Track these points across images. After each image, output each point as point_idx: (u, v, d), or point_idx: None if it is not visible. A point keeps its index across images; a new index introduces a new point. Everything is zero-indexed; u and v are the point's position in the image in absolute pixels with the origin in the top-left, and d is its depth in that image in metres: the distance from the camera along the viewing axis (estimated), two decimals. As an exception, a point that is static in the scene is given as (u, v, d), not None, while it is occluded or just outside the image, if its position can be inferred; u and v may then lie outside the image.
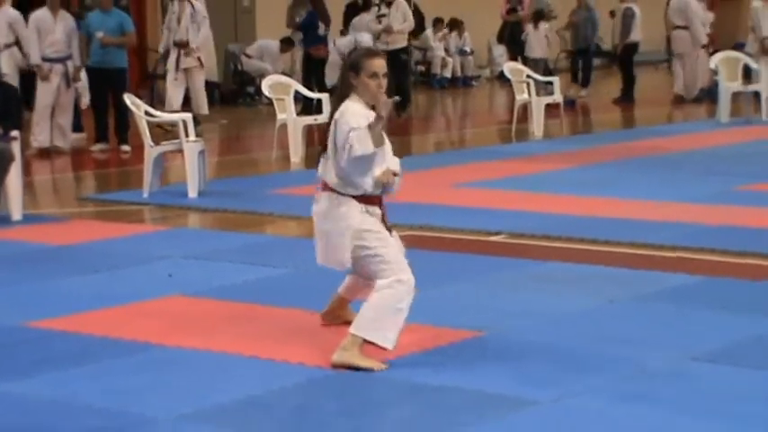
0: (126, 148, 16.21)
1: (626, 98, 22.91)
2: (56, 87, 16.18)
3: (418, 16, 23.40)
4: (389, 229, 6.84)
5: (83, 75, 16.74)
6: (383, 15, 19.99)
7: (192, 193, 12.29)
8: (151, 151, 12.54)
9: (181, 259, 9.52)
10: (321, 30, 21.30)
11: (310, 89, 18.52)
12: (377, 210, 6.87)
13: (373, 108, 6.73)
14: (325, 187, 6.95)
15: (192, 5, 17.76)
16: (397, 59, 19.64)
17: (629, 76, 23.25)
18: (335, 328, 7.20)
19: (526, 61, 22.20)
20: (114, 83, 16.17)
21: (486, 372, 6.45)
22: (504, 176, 13.41)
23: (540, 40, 24.66)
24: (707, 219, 10.72)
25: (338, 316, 7.31)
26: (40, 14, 16.16)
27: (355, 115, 6.68)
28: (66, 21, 16.26)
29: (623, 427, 5.65)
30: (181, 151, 12.47)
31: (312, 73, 20.51)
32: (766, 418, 5.74)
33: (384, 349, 6.54)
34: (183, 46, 17.63)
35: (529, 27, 24.79)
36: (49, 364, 6.72)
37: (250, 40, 24.06)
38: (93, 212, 11.98)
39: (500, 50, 26.77)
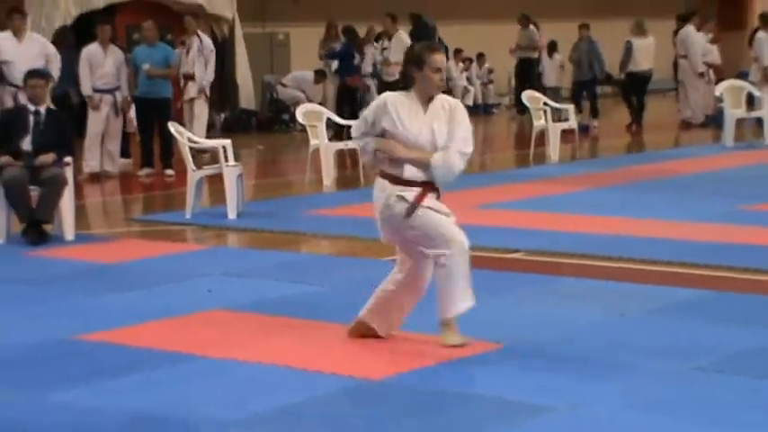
0: (170, 172, 16.27)
1: (634, 123, 22.83)
2: (105, 116, 16.25)
3: (442, 48, 23.38)
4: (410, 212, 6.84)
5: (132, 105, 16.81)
6: (385, 49, 19.92)
7: (231, 214, 12.31)
8: (193, 175, 12.57)
9: (221, 276, 9.53)
10: (356, 60, 21.33)
11: (342, 116, 18.60)
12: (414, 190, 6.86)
13: (429, 100, 6.83)
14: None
15: (201, 39, 17.71)
16: (398, 90, 19.61)
17: (632, 103, 23.10)
18: (368, 342, 7.20)
19: (544, 90, 22.24)
20: (159, 112, 16.24)
21: (505, 381, 6.44)
22: (523, 198, 13.40)
23: (554, 69, 24.74)
24: (712, 237, 10.69)
25: (361, 333, 7.27)
26: (92, 49, 16.23)
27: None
28: (115, 54, 16.33)
29: (634, 433, 5.64)
30: (220, 175, 12.50)
31: (345, 101, 20.51)
32: (766, 424, 5.72)
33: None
34: (189, 78, 17.57)
35: (544, 57, 24.87)
36: (97, 375, 6.73)
37: (285, 72, 24.12)
38: (140, 232, 12.01)
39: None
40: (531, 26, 24.37)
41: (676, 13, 26.51)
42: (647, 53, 22.89)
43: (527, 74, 25.13)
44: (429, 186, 6.90)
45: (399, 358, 6.89)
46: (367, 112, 7.04)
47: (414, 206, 6.82)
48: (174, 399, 6.27)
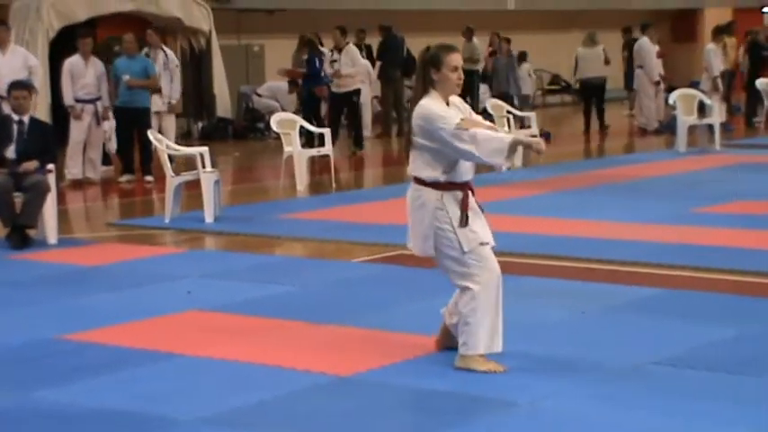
0: (149, 178, 16.21)
1: (589, 130, 22.99)
2: (87, 125, 16.18)
3: (410, 59, 23.29)
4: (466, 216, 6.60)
5: (111, 122, 16.64)
6: (334, 61, 19.77)
7: (209, 218, 12.28)
8: (172, 181, 12.54)
9: (198, 278, 9.50)
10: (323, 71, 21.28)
11: (311, 124, 18.69)
12: (458, 194, 6.61)
13: (448, 103, 6.58)
14: (415, 179, 6.65)
15: (165, 53, 17.49)
16: (348, 101, 19.53)
17: (587, 110, 23.26)
18: (340, 340, 7.20)
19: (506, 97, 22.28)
20: (139, 121, 16.17)
21: (469, 377, 6.44)
22: (486, 201, 13.33)
23: (524, 78, 24.87)
24: (668, 238, 10.72)
25: (442, 342, 6.93)
26: (74, 60, 16.17)
27: (442, 111, 6.50)
28: (96, 66, 16.27)
29: (593, 425, 5.65)
30: (198, 181, 12.46)
31: (311, 110, 20.37)
32: (719, 414, 5.75)
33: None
34: (156, 91, 17.28)
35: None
36: (80, 373, 6.71)
37: (260, 82, 24.07)
38: (121, 236, 11.96)
39: (483, 88, 26.78)
40: (475, 39, 24.22)
41: (625, 26, 26.77)
42: (594, 62, 22.95)
43: (468, 86, 25.13)
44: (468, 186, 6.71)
45: (371, 355, 6.88)
46: (446, 115, 6.50)
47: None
48: (153, 395, 6.25)
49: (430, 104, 6.54)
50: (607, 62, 23.09)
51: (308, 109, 20.31)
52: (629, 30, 26.52)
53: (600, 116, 22.99)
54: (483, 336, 6.46)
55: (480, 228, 6.65)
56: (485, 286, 6.49)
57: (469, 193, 6.66)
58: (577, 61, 23.38)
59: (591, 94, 23.09)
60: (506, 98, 21.77)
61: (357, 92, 19.86)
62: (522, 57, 25.55)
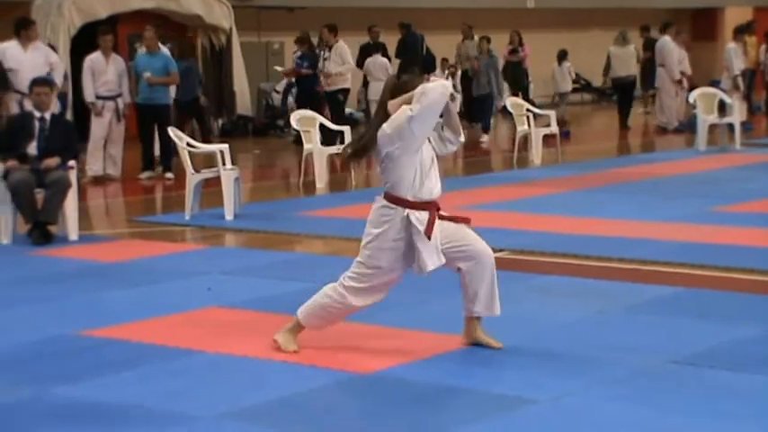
0: (170, 175, 16.25)
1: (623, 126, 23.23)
2: (108, 122, 16.23)
3: (429, 57, 23.25)
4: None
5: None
6: (326, 59, 19.60)
7: (229, 215, 12.31)
8: (192, 178, 12.56)
9: (218, 275, 9.52)
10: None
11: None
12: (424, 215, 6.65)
13: None
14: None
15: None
16: (333, 99, 19.36)
17: (622, 108, 23.48)
18: (359, 337, 7.20)
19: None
20: (159, 117, 16.22)
21: (489, 374, 6.45)
22: (506, 200, 13.40)
23: (564, 75, 25.31)
24: (687, 237, 10.70)
25: (470, 335, 6.99)
26: (94, 57, 16.22)
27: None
28: (117, 62, 16.30)
29: (612, 423, 5.64)
30: (218, 178, 12.49)
31: (311, 108, 20.27)
32: (739, 413, 5.73)
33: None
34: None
35: (554, 65, 25.48)
36: (101, 369, 6.73)
37: (280, 79, 24.09)
38: (141, 233, 11.99)
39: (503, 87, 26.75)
40: (477, 38, 24.01)
41: (643, 25, 26.71)
42: (625, 61, 23.13)
43: (518, 78, 25.14)
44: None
45: (389, 353, 6.89)
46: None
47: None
48: (173, 392, 6.26)
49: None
50: (638, 61, 23.18)
51: (309, 108, 20.24)
52: (647, 28, 26.48)
53: (626, 114, 23.20)
54: None
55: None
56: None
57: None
58: (609, 60, 23.52)
59: (623, 92, 23.30)
60: (485, 100, 21.49)
61: (343, 91, 19.66)
62: (563, 55, 25.82)
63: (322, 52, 19.66)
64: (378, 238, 6.69)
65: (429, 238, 6.60)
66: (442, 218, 6.77)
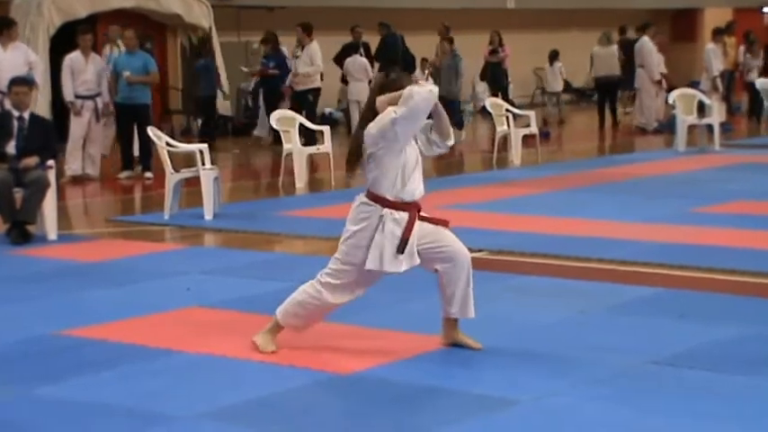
0: (149, 175, 16.20)
1: (601, 126, 23.44)
2: (87, 121, 16.18)
3: (409, 57, 23.23)
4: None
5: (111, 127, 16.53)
6: (296, 57, 19.51)
7: (208, 215, 12.28)
8: (171, 178, 12.53)
9: (198, 274, 9.50)
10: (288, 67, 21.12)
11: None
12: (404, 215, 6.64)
13: None
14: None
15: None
16: (304, 99, 19.12)
17: (602, 107, 23.73)
18: (338, 337, 7.19)
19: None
20: (139, 117, 16.17)
21: (470, 375, 6.44)
22: (486, 200, 13.40)
23: (555, 75, 26.33)
24: (667, 237, 10.72)
25: (448, 336, 6.96)
26: (74, 56, 16.17)
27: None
28: (96, 62, 16.26)
29: (593, 424, 5.64)
30: (198, 178, 12.46)
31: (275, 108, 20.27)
32: (719, 414, 5.74)
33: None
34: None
35: (546, 65, 26.39)
36: (79, 369, 6.70)
37: (250, 80, 23.96)
38: (120, 233, 11.95)
39: (482, 87, 26.82)
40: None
41: (635, 26, 26.78)
42: (609, 60, 23.28)
43: (498, 79, 25.21)
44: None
45: (369, 353, 6.87)
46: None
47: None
48: (152, 392, 6.24)
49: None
50: (620, 61, 23.34)
51: (271, 108, 20.21)
52: (623, 30, 26.60)
53: (613, 113, 23.42)
54: None
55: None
56: None
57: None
58: (593, 60, 23.95)
59: (605, 92, 23.52)
60: (446, 102, 21.21)
61: (313, 91, 19.53)
62: (554, 56, 26.29)
63: (296, 51, 19.54)
64: (355, 235, 6.68)
65: (407, 240, 6.59)
66: (421, 219, 6.76)
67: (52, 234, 11.24)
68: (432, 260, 6.78)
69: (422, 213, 6.78)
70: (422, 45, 24.74)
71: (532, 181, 15.20)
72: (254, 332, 7.04)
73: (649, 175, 15.61)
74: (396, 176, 6.62)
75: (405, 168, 6.64)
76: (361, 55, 22.65)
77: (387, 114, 6.52)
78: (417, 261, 6.69)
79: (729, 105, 24.50)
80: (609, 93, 23.65)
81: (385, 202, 6.63)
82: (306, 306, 6.86)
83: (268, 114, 20.23)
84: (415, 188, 6.70)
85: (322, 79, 20.68)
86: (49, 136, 11.53)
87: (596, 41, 24.08)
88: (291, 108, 18.70)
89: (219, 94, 21.06)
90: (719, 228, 11.17)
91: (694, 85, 22.87)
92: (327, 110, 24.79)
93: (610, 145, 21.26)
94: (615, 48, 23.66)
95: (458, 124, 21.11)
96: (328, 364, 6.63)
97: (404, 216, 6.63)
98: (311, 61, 19.28)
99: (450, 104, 20.21)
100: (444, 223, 6.90)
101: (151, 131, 13.14)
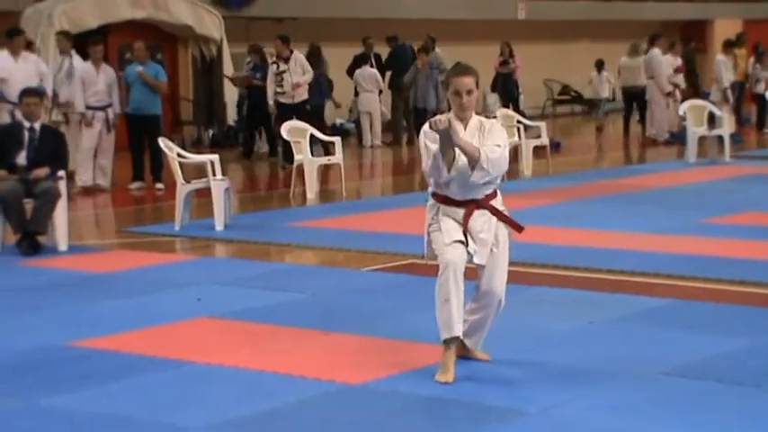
0: (160, 185, 16.23)
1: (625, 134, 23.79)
2: (98, 132, 16.22)
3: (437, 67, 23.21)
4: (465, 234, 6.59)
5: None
6: (283, 72, 19.04)
7: (219, 226, 12.29)
8: (182, 189, 12.56)
9: (209, 285, 9.51)
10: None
11: (254, 135, 19.80)
12: (457, 211, 6.60)
13: (465, 120, 6.57)
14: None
15: (72, 61, 16.64)
16: (302, 111, 18.36)
17: (627, 116, 24.06)
18: (349, 348, 7.19)
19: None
20: (150, 128, 16.20)
21: (480, 386, 6.43)
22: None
23: (602, 82, 27.09)
24: (677, 248, 10.71)
25: (458, 349, 6.75)
26: (85, 67, 16.22)
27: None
28: (107, 73, 16.30)
29: (603, 435, 5.65)
30: (208, 188, 12.48)
31: (261, 121, 20.14)
32: (728, 426, 5.74)
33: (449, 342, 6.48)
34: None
35: (593, 73, 27.04)
36: (91, 380, 6.71)
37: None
38: (131, 243, 11.97)
39: (493, 98, 26.81)
40: (438, 50, 23.78)
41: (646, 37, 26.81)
42: (635, 71, 23.30)
43: (509, 89, 25.26)
44: (474, 204, 6.67)
45: (380, 364, 6.87)
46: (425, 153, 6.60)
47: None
48: (163, 403, 6.25)
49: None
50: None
51: (256, 120, 20.14)
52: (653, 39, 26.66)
53: (642, 123, 23.59)
54: None
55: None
56: None
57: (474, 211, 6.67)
58: (620, 70, 24.19)
59: (632, 102, 23.57)
60: (423, 113, 20.15)
61: (306, 101, 19.22)
62: (601, 64, 27.06)
63: (275, 65, 19.03)
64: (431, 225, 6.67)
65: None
66: (497, 215, 6.75)
67: (63, 245, 11.26)
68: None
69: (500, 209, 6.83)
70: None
71: (543, 192, 15.20)
72: (264, 342, 7.04)
73: (660, 186, 15.60)
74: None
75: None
76: (371, 66, 22.66)
77: (473, 150, 6.50)
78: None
79: (739, 117, 24.48)
80: (636, 102, 23.74)
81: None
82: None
83: (249, 127, 20.32)
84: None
85: (332, 90, 20.76)
86: (59, 147, 11.56)
87: (624, 52, 24.07)
88: (279, 121, 18.20)
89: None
90: (730, 239, 11.16)
91: (705, 96, 22.85)
92: (339, 121, 24.82)
93: (621, 156, 21.24)
94: (642, 59, 23.62)
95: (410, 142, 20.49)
96: (339, 375, 6.63)
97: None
98: (303, 70, 18.94)
99: (421, 117, 19.26)
100: (518, 228, 6.92)
101: (162, 142, 13.16)
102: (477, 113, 6.79)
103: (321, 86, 20.41)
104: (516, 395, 6.23)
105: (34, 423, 6.01)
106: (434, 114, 19.95)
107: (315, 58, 20.19)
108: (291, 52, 18.83)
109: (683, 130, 19.93)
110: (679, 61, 23.37)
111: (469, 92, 6.55)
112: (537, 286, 9.19)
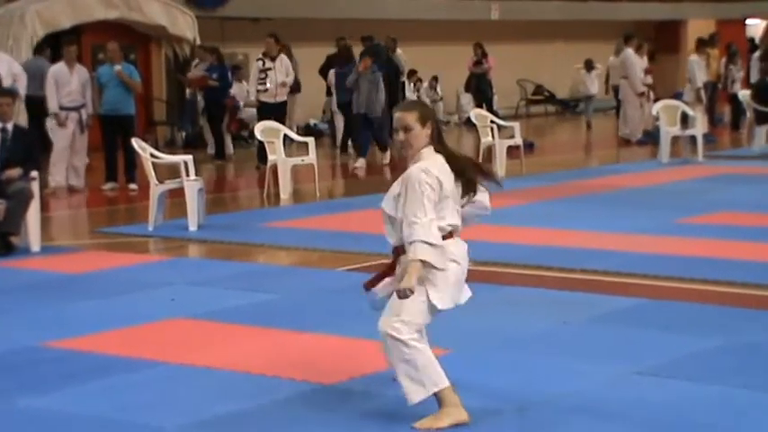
0: (133, 186, 16.19)
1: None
2: (71, 133, 16.18)
3: (393, 67, 23.21)
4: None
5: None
6: (269, 69, 19.14)
7: (192, 226, 12.28)
8: (156, 189, 12.54)
9: (182, 285, 9.50)
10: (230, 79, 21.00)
11: (218, 138, 19.75)
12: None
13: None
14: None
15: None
16: (280, 111, 18.39)
17: (616, 113, 24.34)
18: (323, 348, 7.19)
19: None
20: (123, 128, 16.16)
21: (454, 385, 6.44)
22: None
23: (592, 80, 27.40)
24: (650, 248, 10.75)
25: None
26: (58, 68, 16.17)
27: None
28: (80, 73, 16.26)
29: (577, 434, 5.67)
30: (182, 189, 12.46)
31: (219, 121, 20.22)
32: (701, 424, 5.77)
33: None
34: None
35: (583, 71, 27.41)
36: (64, 381, 6.70)
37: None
38: (104, 244, 11.94)
39: (467, 99, 26.91)
40: (399, 50, 23.72)
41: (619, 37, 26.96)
42: (620, 70, 23.43)
43: (482, 89, 25.33)
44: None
45: (352, 364, 6.89)
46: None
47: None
48: (137, 403, 6.24)
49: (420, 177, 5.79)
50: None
51: (210, 120, 20.20)
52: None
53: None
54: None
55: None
56: None
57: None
58: (608, 70, 24.86)
59: (617, 99, 23.85)
60: (367, 120, 19.05)
61: (286, 102, 19.26)
62: (590, 63, 27.42)
63: (260, 62, 19.07)
64: None
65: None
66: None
67: (36, 246, 11.23)
68: None
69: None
70: (409, 56, 24.80)
71: (517, 192, 15.20)
72: (238, 343, 7.04)
73: (633, 186, 15.66)
74: None
75: None
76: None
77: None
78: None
79: (712, 117, 24.59)
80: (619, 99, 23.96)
81: None
82: None
83: (212, 128, 20.33)
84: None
85: (300, 90, 20.82)
86: (32, 147, 11.52)
87: (597, 52, 24.38)
88: (260, 119, 18.09)
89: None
90: (703, 238, 11.22)
91: (678, 96, 22.95)
92: (312, 121, 24.82)
93: (594, 156, 21.31)
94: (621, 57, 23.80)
95: (381, 144, 19.69)
96: (313, 375, 6.64)
97: None
98: (286, 72, 18.98)
99: (373, 122, 19.03)
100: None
101: (135, 143, 13.14)
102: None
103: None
104: (489, 395, 6.24)
105: (8, 424, 6.00)
106: (380, 123, 18.96)
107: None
108: (280, 52, 18.92)
109: (656, 130, 20.01)
110: (646, 62, 23.44)
111: (406, 128, 5.76)
112: (510, 286, 9.21)
